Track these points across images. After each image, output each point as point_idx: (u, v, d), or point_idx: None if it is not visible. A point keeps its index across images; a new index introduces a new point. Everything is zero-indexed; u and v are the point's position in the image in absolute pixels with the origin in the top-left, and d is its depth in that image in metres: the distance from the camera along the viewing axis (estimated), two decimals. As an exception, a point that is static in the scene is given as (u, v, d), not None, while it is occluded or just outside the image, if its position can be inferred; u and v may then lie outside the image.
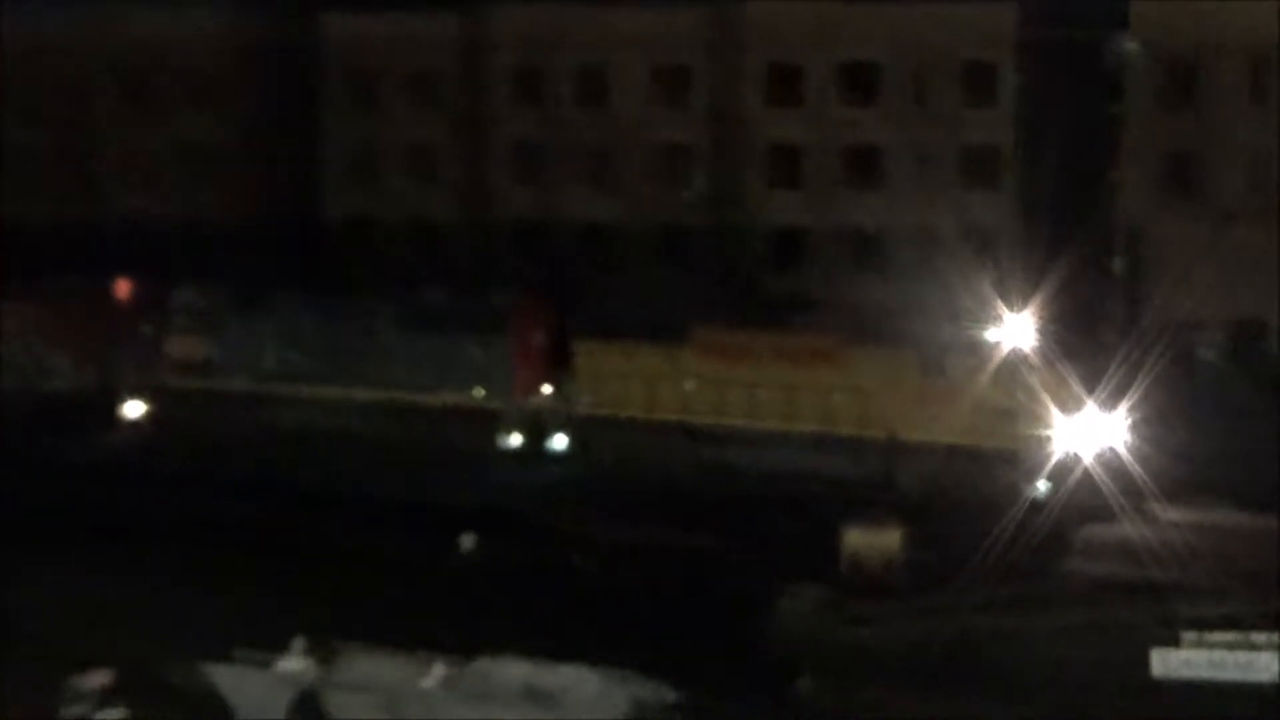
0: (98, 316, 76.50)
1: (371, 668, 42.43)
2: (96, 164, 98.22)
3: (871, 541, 55.17)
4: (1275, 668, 43.47)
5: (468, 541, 58.34)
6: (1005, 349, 65.57)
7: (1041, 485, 59.15)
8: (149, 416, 72.95)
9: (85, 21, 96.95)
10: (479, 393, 71.59)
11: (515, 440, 70.19)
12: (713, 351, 69.75)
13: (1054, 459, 59.05)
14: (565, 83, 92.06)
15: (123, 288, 77.13)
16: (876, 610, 50.41)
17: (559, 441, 69.94)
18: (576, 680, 41.13)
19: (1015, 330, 66.20)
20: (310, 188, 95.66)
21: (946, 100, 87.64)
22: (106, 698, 42.78)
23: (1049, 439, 60.88)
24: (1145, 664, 44.28)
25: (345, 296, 77.85)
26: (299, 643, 43.17)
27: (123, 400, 73.11)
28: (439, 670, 41.96)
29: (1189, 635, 44.20)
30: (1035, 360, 64.94)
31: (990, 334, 66.40)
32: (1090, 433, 59.02)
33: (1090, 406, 60.52)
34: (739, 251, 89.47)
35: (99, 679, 43.05)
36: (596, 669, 41.69)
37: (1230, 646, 44.05)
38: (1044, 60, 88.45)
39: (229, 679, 42.30)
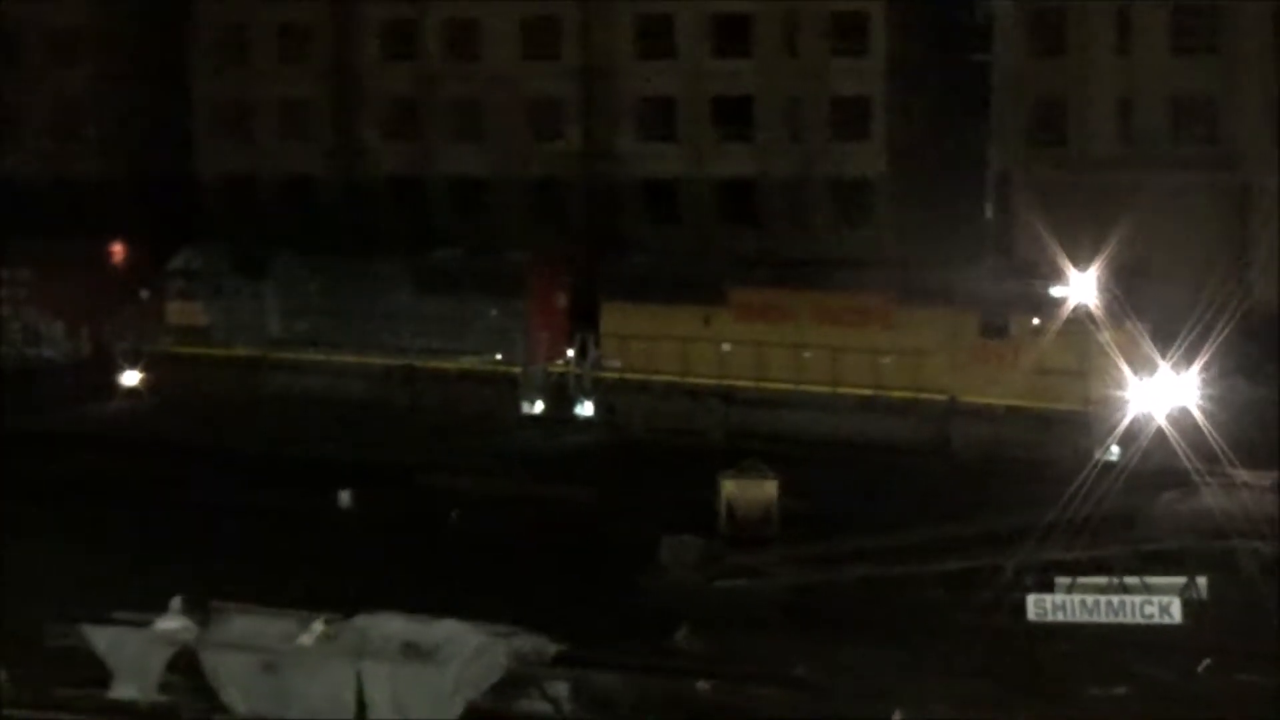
0: (91, 280, 75.57)
1: (250, 626, 41.66)
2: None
3: (748, 490, 54.61)
4: (1144, 610, 43.71)
5: (345, 498, 57.79)
6: (1070, 307, 64.32)
7: (1113, 449, 56.80)
8: (146, 384, 71.78)
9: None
10: (496, 357, 70.27)
11: (537, 406, 69.22)
12: (752, 312, 68.30)
13: (1124, 421, 57.67)
14: (435, 37, 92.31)
15: (117, 250, 76.35)
16: (756, 560, 50.07)
17: (585, 407, 68.93)
18: (455, 635, 40.48)
19: (1081, 287, 64.69)
20: (182, 144, 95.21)
21: (818, 50, 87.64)
22: None
23: (1118, 400, 59.76)
24: (1022, 609, 44.56)
25: (352, 257, 76.50)
26: (176, 602, 42.42)
27: (119, 369, 72.02)
28: (317, 627, 41.15)
29: (1062, 580, 44.66)
30: (1103, 318, 63.54)
31: (1054, 291, 65.43)
32: (1161, 394, 57.95)
33: (1162, 367, 59.74)
34: (611, 203, 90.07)
35: None
36: (475, 624, 41.01)
37: (1102, 590, 44.49)
38: (914, 10, 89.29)
39: (106, 639, 41.49)
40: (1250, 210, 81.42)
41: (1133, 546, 46.78)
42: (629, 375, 68.24)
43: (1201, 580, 44.22)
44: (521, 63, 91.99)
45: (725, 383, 66.97)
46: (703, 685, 39.24)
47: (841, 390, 64.90)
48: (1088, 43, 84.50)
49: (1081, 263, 70.95)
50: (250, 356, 71.48)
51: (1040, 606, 43.82)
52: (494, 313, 69.79)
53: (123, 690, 40.27)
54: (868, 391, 64.65)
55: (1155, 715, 39.74)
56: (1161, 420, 55.15)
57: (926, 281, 69.39)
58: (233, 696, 39.52)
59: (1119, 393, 59.50)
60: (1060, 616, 43.88)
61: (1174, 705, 40.25)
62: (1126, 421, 56.74)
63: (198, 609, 41.78)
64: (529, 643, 39.58)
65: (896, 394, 64.43)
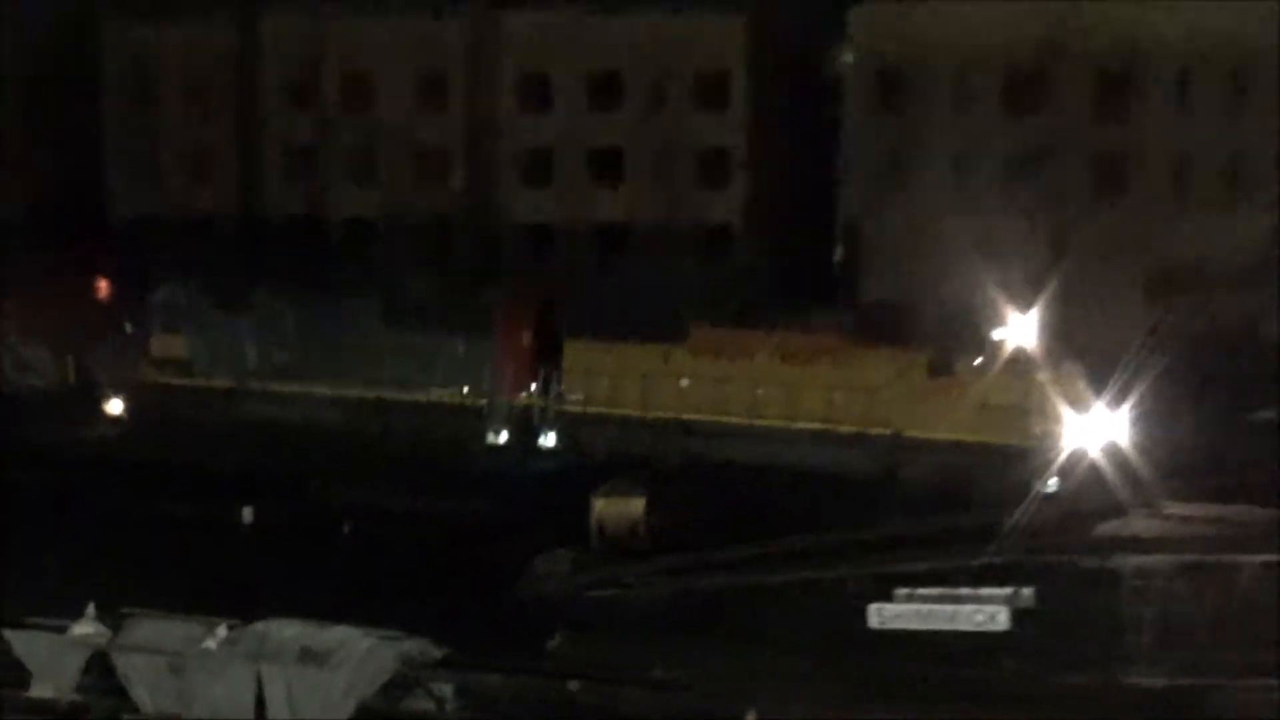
0: (76, 311, 74.73)
1: (158, 631, 41.94)
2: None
3: (617, 508, 55.50)
4: (975, 618, 44.85)
5: (247, 514, 57.84)
6: (1013, 347, 64.79)
7: (1052, 482, 55.65)
8: (128, 412, 70.82)
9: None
10: (464, 390, 69.56)
11: (502, 436, 68.35)
12: (710, 349, 67.89)
13: (1063, 455, 57.06)
14: (332, 89, 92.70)
15: (101, 284, 76.10)
16: (624, 571, 50.48)
17: (548, 438, 68.06)
18: (347, 640, 40.86)
19: (1023, 329, 65.16)
20: (96, 185, 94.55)
21: (683, 106, 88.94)
22: None
23: (1059, 436, 59.38)
24: (864, 616, 45.67)
25: (325, 292, 75.22)
26: (90, 609, 42.93)
27: (104, 397, 71.17)
28: (220, 632, 41.48)
29: (900, 591, 45.70)
30: (1043, 359, 64.34)
31: (999, 332, 65.60)
32: (1098, 429, 57.60)
33: (1098, 404, 59.53)
34: (493, 246, 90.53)
35: None
36: (366, 629, 41.75)
37: (938, 600, 45.70)
38: (771, 69, 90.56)
39: (24, 643, 42.03)
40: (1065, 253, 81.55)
41: (968, 560, 46.52)
42: (591, 409, 67.87)
43: (1027, 591, 44.92)
44: (413, 114, 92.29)
45: (684, 416, 66.64)
46: (573, 685, 40.76)
47: (795, 424, 65.02)
48: (927, 101, 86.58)
49: (928, 303, 74.11)
50: (229, 388, 71.19)
51: (881, 614, 44.97)
52: (461, 347, 69.55)
53: (41, 690, 41.20)
54: (819, 426, 64.61)
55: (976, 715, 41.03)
56: (1095, 454, 55.22)
57: (877, 322, 70.01)
58: (141, 696, 40.75)
59: (1058, 428, 59.61)
60: (899, 624, 44.90)
61: (1000, 705, 41.36)
62: (1064, 455, 56.35)
63: (110, 615, 42.14)
64: (416, 647, 41.13)
65: (844, 428, 64.22)
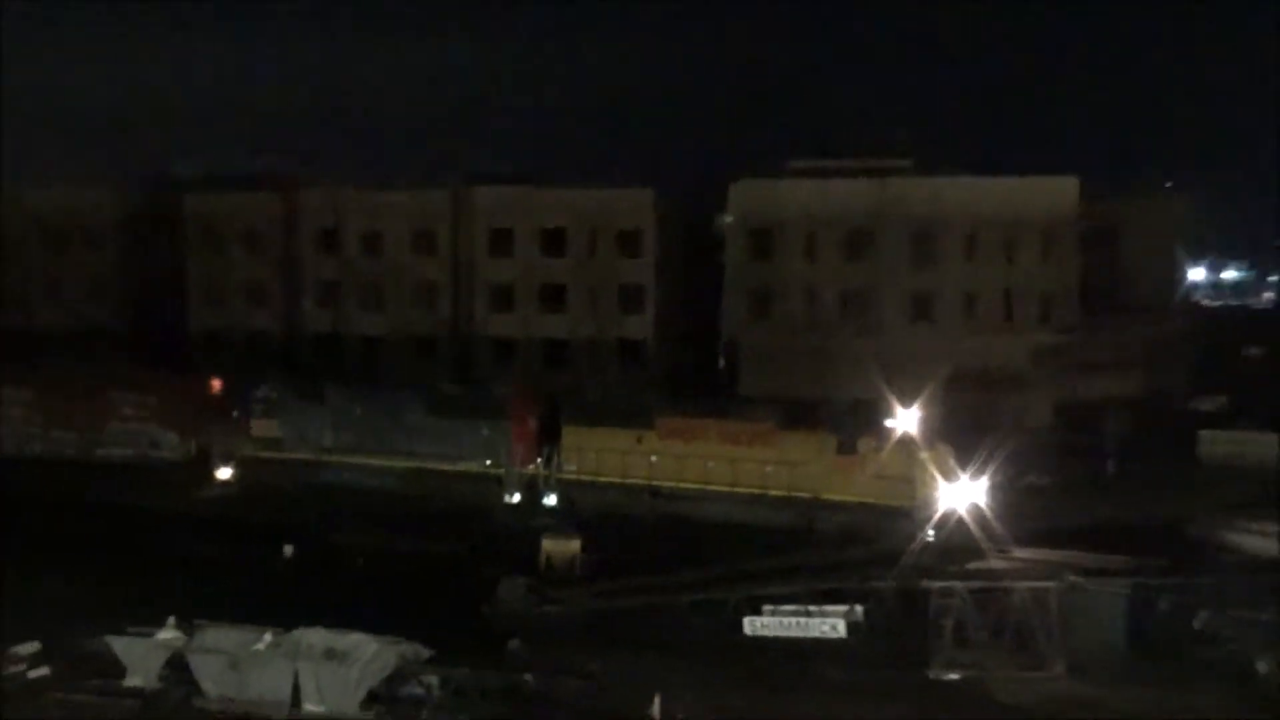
0: (194, 404, 73.47)
1: (221, 637, 42.38)
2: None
3: (560, 547, 55.04)
4: (821, 628, 46.29)
5: (288, 550, 57.02)
6: (900, 432, 63.08)
7: (930, 533, 54.50)
8: (234, 477, 69.38)
9: (16, 195, 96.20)
10: (487, 462, 67.08)
11: (516, 498, 65.91)
12: (671, 434, 65.74)
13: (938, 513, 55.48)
14: (352, 244, 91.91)
15: (214, 383, 74.22)
16: (564, 594, 50.29)
17: (550, 499, 65.49)
18: (360, 643, 41.40)
19: (909, 418, 63.46)
20: (179, 308, 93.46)
21: (609, 253, 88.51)
22: (35, 661, 42.97)
23: (935, 498, 57.18)
24: (741, 627, 46.81)
25: (381, 389, 73.92)
26: (170, 621, 43.34)
27: (215, 466, 69.59)
28: (267, 638, 42.06)
29: (767, 608, 46.74)
30: (923, 441, 62.73)
31: (891, 420, 63.94)
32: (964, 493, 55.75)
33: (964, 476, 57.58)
34: (469, 356, 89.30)
35: (29, 648, 43.33)
36: (375, 636, 41.81)
37: (794, 614, 46.80)
38: (673, 228, 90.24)
39: (121, 646, 42.41)
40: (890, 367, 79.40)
41: (817, 586, 47.54)
42: (582, 477, 65.69)
43: (859, 608, 46.40)
44: (411, 259, 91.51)
45: (653, 483, 64.90)
46: (527, 677, 41.52)
47: (736, 488, 63.31)
48: (785, 252, 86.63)
49: (787, 400, 71.96)
50: (309, 459, 68.83)
51: (753, 625, 46.65)
52: (485, 430, 67.12)
53: (132, 681, 41.86)
54: (756, 490, 62.93)
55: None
56: (963, 512, 53.66)
57: (797, 415, 67.15)
58: (208, 686, 41.32)
59: (935, 493, 57.32)
60: (766, 632, 46.56)
61: (838, 693, 42.29)
62: (940, 513, 54.72)
63: (185, 625, 43.19)
64: (410, 649, 41.55)
65: (774, 493, 62.58)
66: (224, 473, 68.95)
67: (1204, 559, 53.82)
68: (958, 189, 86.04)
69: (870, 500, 61.36)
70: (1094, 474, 69.60)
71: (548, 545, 55.09)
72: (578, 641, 45.90)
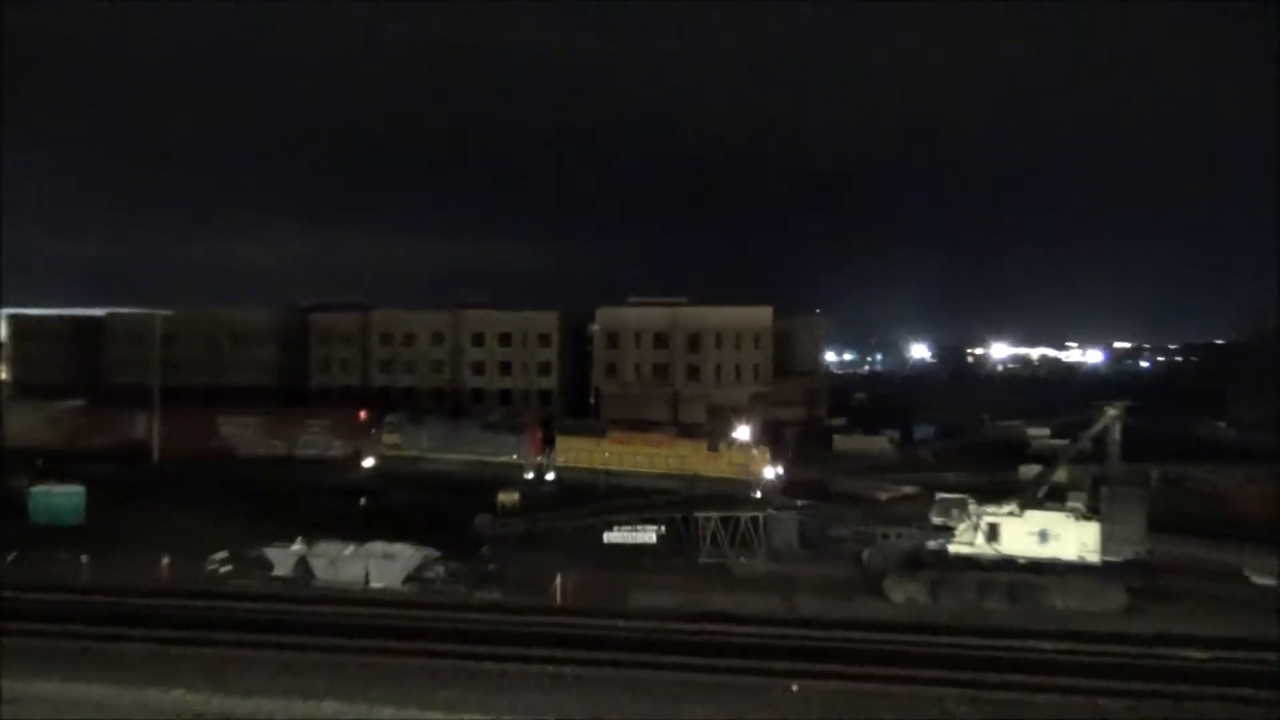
0: (351, 424, 69.98)
1: (326, 547, 40.75)
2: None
3: (508, 497, 52.45)
4: (641, 537, 44.62)
5: (363, 500, 53.75)
6: (744, 437, 60.52)
7: (757, 492, 52.25)
8: (374, 466, 64.39)
9: (189, 315, 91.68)
10: (514, 457, 62.91)
11: (530, 476, 61.26)
12: (617, 439, 61.51)
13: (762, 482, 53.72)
14: (398, 340, 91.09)
15: (362, 413, 70.46)
16: (511, 521, 48.21)
17: (550, 476, 61.30)
18: (400, 549, 40.39)
19: (747, 433, 61.08)
20: (306, 373, 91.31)
21: (532, 344, 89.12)
22: (224, 562, 41.70)
23: (762, 474, 55.58)
24: (602, 538, 45.07)
25: (456, 416, 68.97)
26: (299, 539, 41.77)
27: (362, 460, 64.96)
28: (350, 548, 40.66)
29: (615, 527, 45.24)
30: (753, 442, 59.80)
31: (737, 432, 61.19)
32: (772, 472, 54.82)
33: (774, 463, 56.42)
34: (466, 399, 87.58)
35: (221, 554, 41.98)
36: (410, 544, 40.92)
37: (630, 531, 45.14)
38: (567, 331, 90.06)
39: (271, 552, 40.98)
40: (677, 403, 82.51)
41: (641, 515, 45.64)
42: (569, 465, 61.33)
43: (661, 528, 44.90)
44: (426, 350, 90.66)
45: (606, 468, 60.63)
46: (492, 566, 40.92)
47: (653, 470, 59.08)
48: (623, 344, 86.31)
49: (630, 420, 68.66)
50: (416, 456, 64.11)
51: (608, 537, 44.91)
52: (513, 439, 63.26)
53: (279, 572, 40.31)
54: (663, 470, 58.84)
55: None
56: (775, 481, 52.89)
57: (684, 429, 64.76)
58: (319, 574, 40.00)
59: (763, 471, 55.97)
60: (614, 540, 44.73)
61: (646, 569, 41.14)
62: (769, 480, 53.70)
63: (307, 540, 41.31)
64: (428, 551, 40.69)
65: (675, 472, 58.38)
66: (366, 463, 65.11)
67: (835, 499, 53.27)
68: (710, 313, 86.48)
69: (726, 475, 57.47)
70: (782, 457, 67.04)
71: (501, 497, 52.07)
72: (514, 547, 44.40)
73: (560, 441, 62.43)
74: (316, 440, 69.63)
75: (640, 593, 38.99)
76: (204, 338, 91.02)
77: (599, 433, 62.60)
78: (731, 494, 51.60)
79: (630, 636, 33.63)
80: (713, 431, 62.92)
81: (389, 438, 65.17)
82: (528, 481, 59.99)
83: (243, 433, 70.36)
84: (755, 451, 58.05)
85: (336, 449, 68.51)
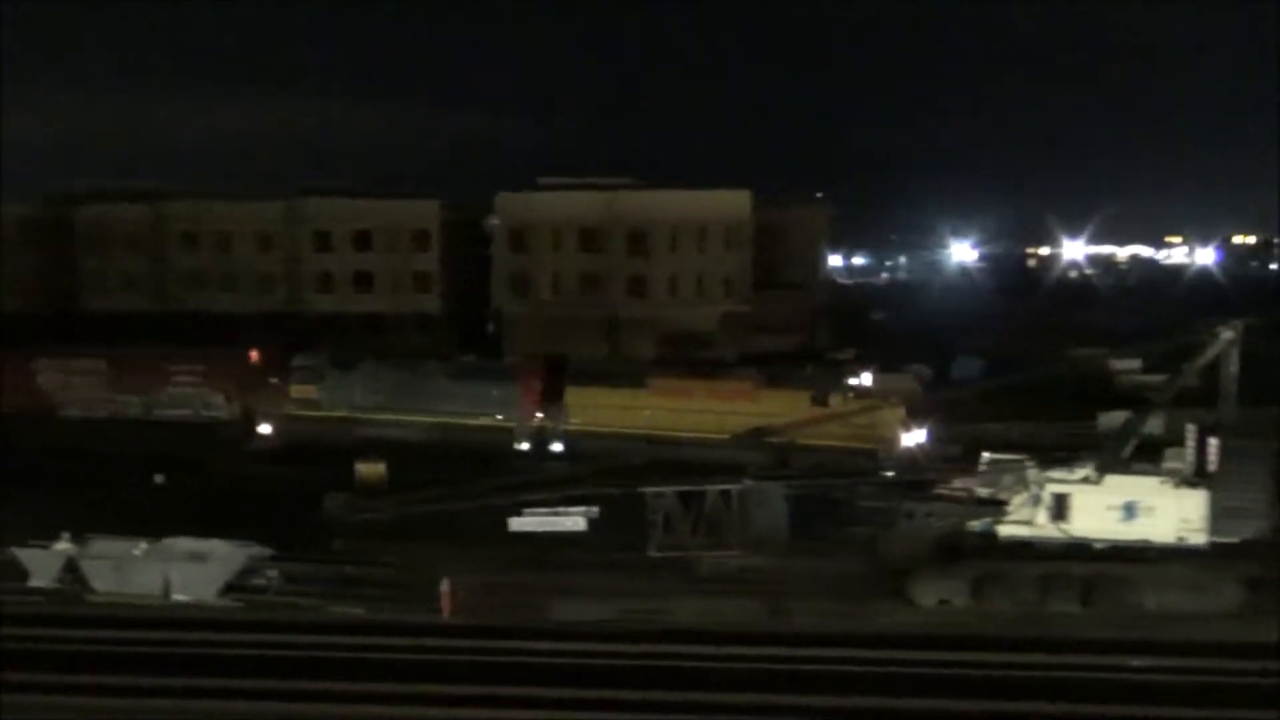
0: (239, 371, 69.24)
1: (106, 546, 41.37)
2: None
3: (370, 469, 53.32)
4: (566, 524, 45.14)
5: (159, 478, 55.24)
6: (863, 388, 61.45)
7: (887, 471, 49.98)
8: (274, 433, 64.29)
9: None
10: (498, 417, 62.56)
11: (525, 446, 61.45)
12: (663, 392, 61.17)
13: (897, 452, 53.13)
14: (207, 244, 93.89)
15: (256, 354, 69.84)
16: (371, 505, 48.83)
17: (557, 446, 61.16)
18: (217, 547, 41.24)
19: (870, 379, 61.80)
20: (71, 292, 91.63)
21: (403, 249, 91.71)
22: None
23: (893, 442, 54.80)
24: (506, 525, 45.61)
25: (407, 359, 68.74)
26: (64, 534, 41.87)
27: (258, 423, 64.73)
28: (142, 545, 41.32)
29: (527, 510, 45.57)
30: (880, 395, 60.00)
31: (854, 378, 62.07)
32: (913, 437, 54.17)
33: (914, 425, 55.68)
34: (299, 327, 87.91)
35: None
36: (228, 540, 41.74)
37: (547, 515, 45.34)
38: (453, 228, 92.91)
39: (26, 556, 41.33)
40: (616, 331, 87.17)
41: (566, 493, 46.28)
42: (589, 429, 60.70)
43: (594, 509, 45.02)
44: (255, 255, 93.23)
45: (649, 432, 59.57)
46: (348, 568, 41.72)
47: (722, 436, 56.78)
48: (536, 247, 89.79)
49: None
50: (346, 417, 64.07)
51: (516, 523, 45.36)
52: (496, 391, 63.23)
53: (37, 581, 40.82)
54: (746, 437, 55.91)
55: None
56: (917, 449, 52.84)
57: (775, 374, 63.30)
58: (97, 583, 40.74)
59: (899, 436, 55.22)
60: (525, 528, 45.33)
61: (576, 569, 42.74)
62: (909, 449, 52.57)
63: (77, 537, 41.47)
64: (255, 550, 41.23)
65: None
66: (263, 428, 64.93)
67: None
68: (662, 200, 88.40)
69: (842, 442, 57.59)
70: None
71: (361, 469, 53.54)
72: (381, 538, 45.57)
73: (574, 395, 61.86)
74: (187, 395, 69.12)
75: (567, 602, 40.45)
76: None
77: (635, 381, 62.18)
78: (731, 459, 50.79)
79: (550, 665, 34.63)
80: (819, 377, 62.73)
81: (301, 390, 65.01)
82: (523, 455, 60.28)
83: (74, 384, 69.96)
84: (886, 407, 57.93)
85: (219, 407, 68.32)
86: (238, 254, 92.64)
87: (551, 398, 62.34)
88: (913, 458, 52.45)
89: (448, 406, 62.82)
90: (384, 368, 65.33)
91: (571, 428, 61.21)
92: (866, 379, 62.51)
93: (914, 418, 56.25)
